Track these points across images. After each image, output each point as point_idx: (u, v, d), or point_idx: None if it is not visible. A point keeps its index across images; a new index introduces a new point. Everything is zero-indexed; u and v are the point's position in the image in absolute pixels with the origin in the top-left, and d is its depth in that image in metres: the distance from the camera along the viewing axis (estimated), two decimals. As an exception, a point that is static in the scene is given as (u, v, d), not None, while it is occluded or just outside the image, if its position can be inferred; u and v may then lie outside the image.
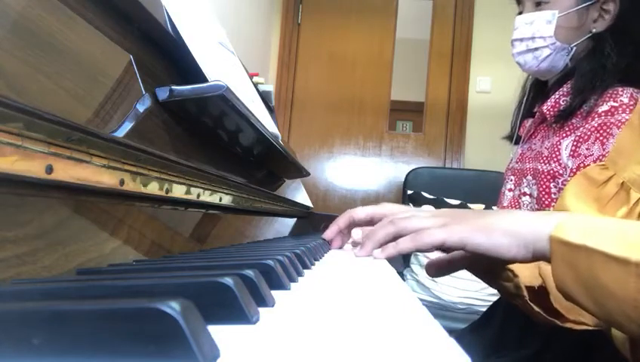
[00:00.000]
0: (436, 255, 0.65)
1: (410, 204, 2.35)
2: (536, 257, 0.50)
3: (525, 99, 1.11)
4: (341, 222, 0.72)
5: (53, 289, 0.26)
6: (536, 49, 1.01)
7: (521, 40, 1.03)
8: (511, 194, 1.06)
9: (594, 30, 0.97)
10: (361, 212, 0.71)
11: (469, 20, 3.02)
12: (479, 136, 2.95)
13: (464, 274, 2.00)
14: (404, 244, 0.56)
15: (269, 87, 1.62)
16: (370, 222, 0.70)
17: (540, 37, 1.00)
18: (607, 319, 0.45)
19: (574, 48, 0.98)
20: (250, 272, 0.28)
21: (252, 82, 1.09)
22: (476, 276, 0.71)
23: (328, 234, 0.73)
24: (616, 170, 0.62)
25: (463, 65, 3.00)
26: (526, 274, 0.63)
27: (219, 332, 0.21)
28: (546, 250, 0.49)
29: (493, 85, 2.96)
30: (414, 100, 3.34)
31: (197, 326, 0.18)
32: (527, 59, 1.03)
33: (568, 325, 0.63)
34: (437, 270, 0.65)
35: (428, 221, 0.56)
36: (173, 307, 0.17)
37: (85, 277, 0.34)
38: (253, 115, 0.68)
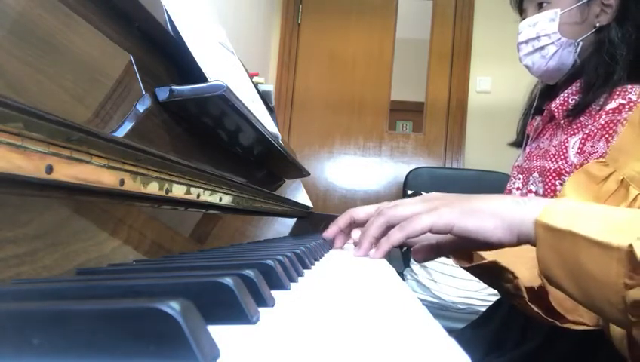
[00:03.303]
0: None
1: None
2: (521, 241, 0.51)
3: (534, 106, 1.11)
4: (341, 222, 0.72)
5: (53, 289, 0.26)
6: (542, 48, 1.01)
7: (527, 42, 1.03)
8: (519, 192, 1.06)
9: (598, 24, 0.97)
10: (361, 211, 0.71)
11: (469, 20, 3.02)
12: (479, 136, 2.95)
13: (464, 274, 2.00)
14: (394, 236, 0.56)
15: (269, 87, 1.62)
16: None
17: (544, 35, 1.00)
18: (590, 304, 0.45)
19: (580, 43, 0.98)
20: (250, 272, 0.28)
21: (252, 82, 1.09)
22: (477, 277, 0.71)
23: (328, 233, 0.74)
24: (617, 167, 0.62)
25: (463, 65, 3.00)
26: (526, 275, 0.63)
27: (219, 332, 0.21)
28: (531, 234, 0.49)
29: (493, 85, 2.96)
30: (414, 100, 3.34)
31: (197, 326, 0.18)
32: (534, 59, 1.02)
33: (568, 325, 0.63)
34: (424, 255, 0.65)
35: (416, 206, 0.56)
36: (173, 307, 0.17)
37: (85, 277, 0.34)
38: (253, 115, 0.68)
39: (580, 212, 0.46)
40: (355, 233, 0.76)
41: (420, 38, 3.22)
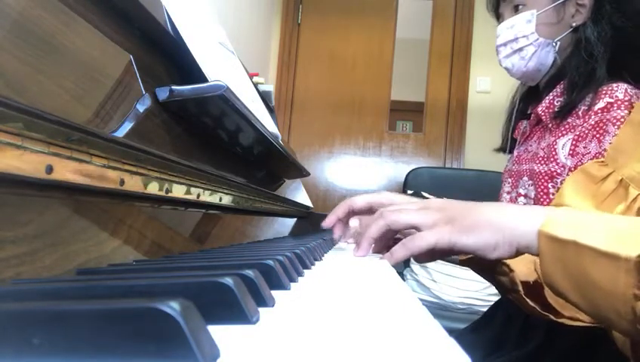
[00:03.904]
0: None
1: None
2: (520, 252, 0.51)
3: (515, 110, 1.12)
4: (340, 211, 0.73)
5: (53, 289, 0.26)
6: (520, 49, 1.02)
7: (505, 44, 1.04)
8: (509, 196, 1.07)
9: (574, 24, 0.98)
10: (359, 200, 0.72)
11: (469, 20, 3.02)
12: (479, 136, 2.95)
13: (464, 274, 1.99)
14: (398, 254, 0.57)
15: (269, 87, 1.62)
16: (369, 210, 0.71)
17: (522, 36, 1.01)
18: (597, 315, 0.45)
19: (558, 43, 1.00)
20: (250, 272, 0.28)
21: (252, 82, 1.09)
22: (473, 270, 0.71)
23: (327, 222, 0.74)
24: (616, 167, 0.62)
25: (463, 65, 3.00)
26: (522, 270, 0.63)
27: (219, 332, 0.21)
28: (532, 245, 0.49)
29: (493, 85, 2.96)
30: (414, 100, 3.34)
31: (197, 326, 0.18)
32: (513, 61, 1.04)
33: (563, 321, 0.64)
34: (424, 258, 0.65)
35: (416, 215, 0.57)
36: (173, 307, 0.17)
37: (85, 277, 0.34)
38: (253, 115, 0.68)
39: (583, 222, 0.46)
40: (353, 221, 0.77)
41: (420, 38, 3.22)
